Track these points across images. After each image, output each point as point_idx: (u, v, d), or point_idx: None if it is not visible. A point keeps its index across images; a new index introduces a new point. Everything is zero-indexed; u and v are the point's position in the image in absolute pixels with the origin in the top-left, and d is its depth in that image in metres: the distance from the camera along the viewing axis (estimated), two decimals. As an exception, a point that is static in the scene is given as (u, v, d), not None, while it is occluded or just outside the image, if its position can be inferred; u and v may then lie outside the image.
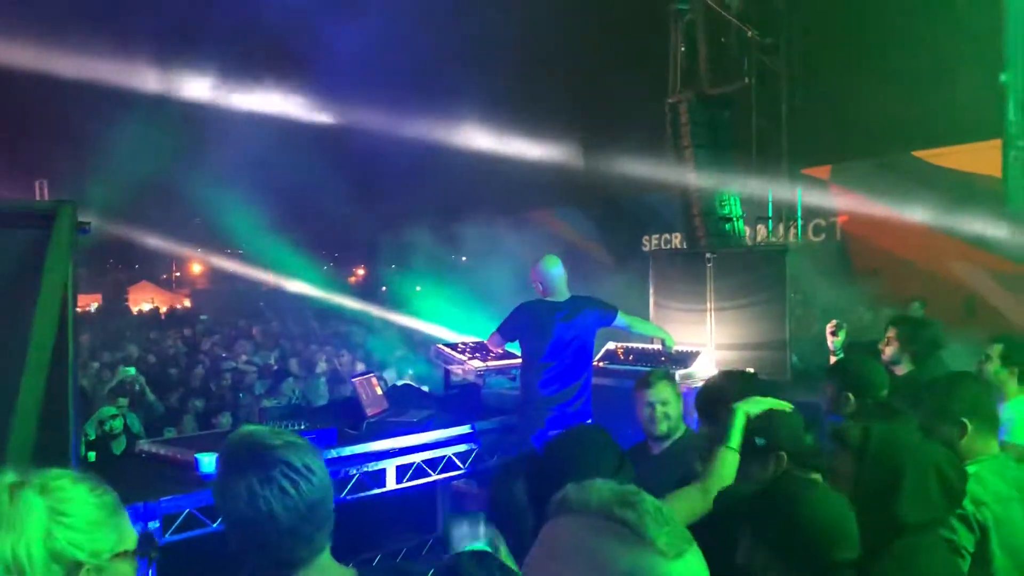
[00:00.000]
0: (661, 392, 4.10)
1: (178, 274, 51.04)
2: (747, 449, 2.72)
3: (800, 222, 10.45)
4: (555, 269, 5.41)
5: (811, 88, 10.52)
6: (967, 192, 11.82)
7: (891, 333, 4.84)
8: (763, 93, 9.99)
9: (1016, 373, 4.25)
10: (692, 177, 9.78)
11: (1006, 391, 4.22)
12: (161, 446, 4.64)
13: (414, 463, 4.86)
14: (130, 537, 1.51)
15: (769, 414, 2.78)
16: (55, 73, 11.29)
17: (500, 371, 5.84)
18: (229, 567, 2.01)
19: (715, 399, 3.14)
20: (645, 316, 6.51)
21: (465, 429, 5.19)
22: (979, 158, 11.35)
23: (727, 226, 9.85)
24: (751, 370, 5.77)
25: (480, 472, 5.28)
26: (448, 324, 12.66)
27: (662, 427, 4.06)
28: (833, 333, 5.53)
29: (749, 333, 6.25)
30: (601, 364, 6.03)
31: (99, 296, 36.59)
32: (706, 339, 6.36)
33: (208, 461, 4.09)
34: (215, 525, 3.85)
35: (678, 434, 4.11)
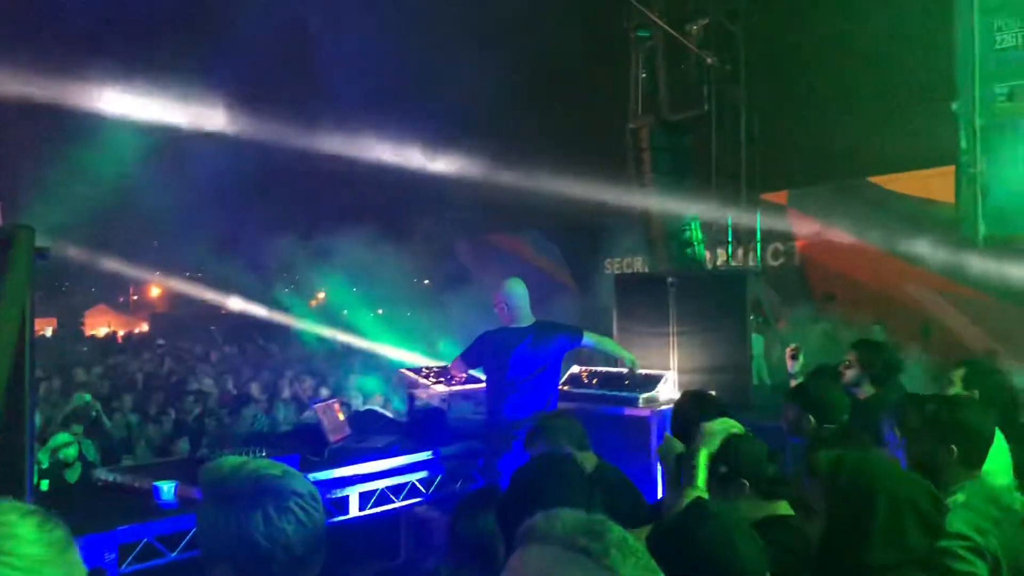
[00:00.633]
0: None
1: (136, 297, 50.26)
2: (711, 476, 2.73)
3: (759, 246, 10.56)
4: (519, 293, 5.41)
5: (769, 115, 10.67)
6: (922, 217, 12.07)
7: (851, 356, 4.91)
8: (722, 120, 10.10)
9: (977, 397, 4.31)
10: (653, 202, 9.86)
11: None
12: (118, 474, 4.55)
13: (377, 489, 4.81)
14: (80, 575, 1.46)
15: (733, 441, 2.79)
16: (4, 94, 11.11)
17: (465, 396, 5.81)
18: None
19: (688, 420, 3.18)
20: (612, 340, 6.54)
21: (428, 455, 5.16)
22: (933, 184, 11.61)
23: (688, 250, 9.93)
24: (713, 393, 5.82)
25: (444, 498, 5.24)
26: (411, 348, 12.62)
27: None
28: (793, 356, 5.59)
29: (711, 357, 6.30)
30: (565, 388, 6.03)
31: (54, 320, 35.86)
32: (669, 363, 6.40)
33: (167, 489, 4.02)
34: (174, 555, 3.77)
35: None
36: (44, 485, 5.80)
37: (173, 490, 4.04)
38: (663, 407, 5.62)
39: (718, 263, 10.77)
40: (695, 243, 10.06)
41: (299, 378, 11.67)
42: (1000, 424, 4.19)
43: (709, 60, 9.81)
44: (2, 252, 2.99)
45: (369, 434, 5.36)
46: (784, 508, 2.77)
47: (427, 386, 5.80)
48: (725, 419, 2.94)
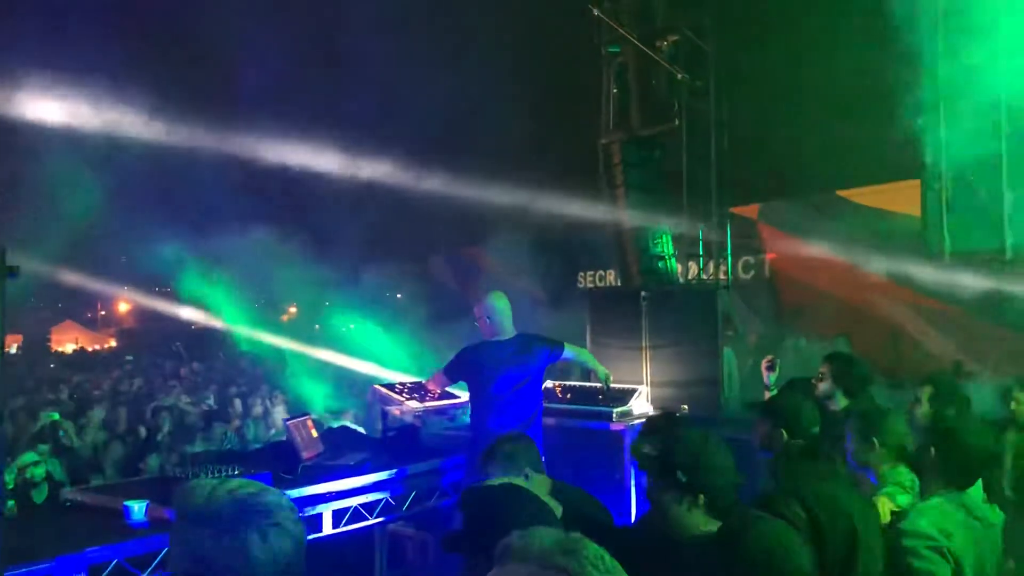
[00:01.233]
0: None
1: (103, 313, 49.65)
2: (669, 479, 2.72)
3: (730, 260, 10.63)
4: (502, 307, 5.42)
5: (739, 130, 10.77)
6: (890, 230, 12.22)
7: (824, 369, 4.96)
8: (693, 134, 10.19)
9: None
10: (625, 216, 9.91)
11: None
12: (87, 494, 4.49)
13: (351, 507, 4.78)
14: None
15: (701, 454, 2.77)
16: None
17: (438, 412, 5.80)
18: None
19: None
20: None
21: (402, 472, 5.13)
22: (900, 197, 11.77)
23: (660, 264, 9.98)
24: (684, 407, 5.86)
25: (418, 515, 5.22)
26: (384, 363, 12.55)
27: None
28: (769, 368, 5.63)
29: (683, 370, 6.33)
30: (540, 402, 6.04)
31: (19, 337, 35.33)
32: (642, 377, 6.42)
33: (138, 509, 3.97)
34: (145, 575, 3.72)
35: None
36: (11, 506, 5.70)
37: (144, 510, 3.99)
38: (636, 421, 5.64)
39: (689, 276, 10.84)
40: (666, 257, 10.13)
41: (272, 394, 11.59)
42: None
43: (679, 76, 9.90)
44: (-30, 271, 2.94)
45: (342, 451, 5.32)
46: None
47: (401, 402, 5.78)
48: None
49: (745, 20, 11.10)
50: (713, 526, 2.66)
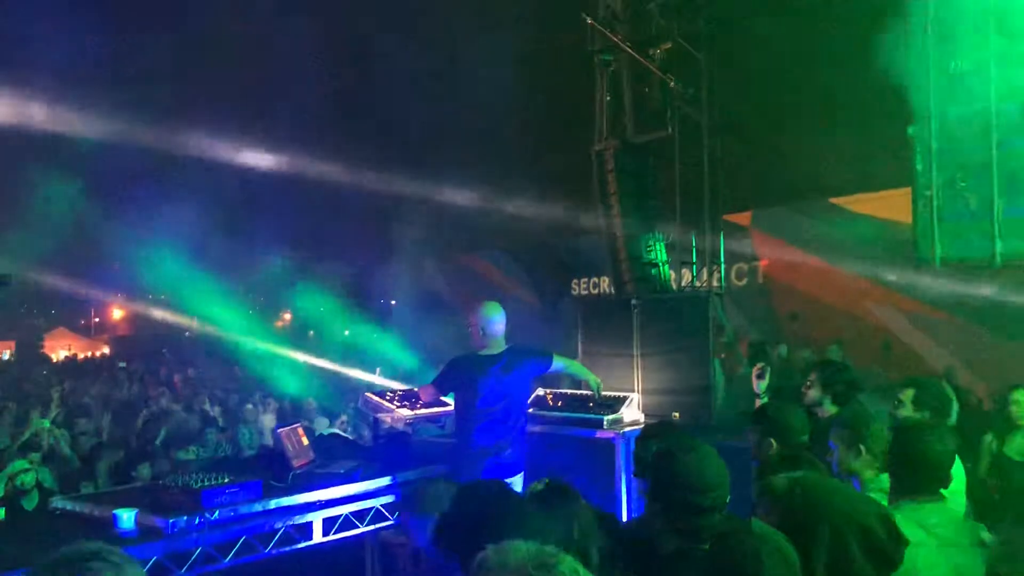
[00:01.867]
0: None
1: (97, 320, 49.53)
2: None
3: (723, 267, 10.67)
4: (497, 318, 5.40)
5: (731, 137, 10.83)
6: (882, 237, 12.27)
7: (812, 376, 4.97)
8: (685, 142, 10.24)
9: (927, 416, 4.38)
10: (618, 223, 9.94)
11: (919, 434, 4.34)
12: (76, 502, 4.47)
13: (342, 515, 4.77)
14: None
15: (691, 474, 2.74)
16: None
17: (429, 419, 5.79)
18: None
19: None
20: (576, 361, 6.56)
21: (393, 479, 5.12)
22: (892, 205, 11.81)
23: (653, 271, 10.02)
24: (676, 414, 5.87)
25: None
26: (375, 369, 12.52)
27: None
28: (759, 376, 5.64)
29: (674, 378, 6.34)
30: (531, 410, 6.04)
31: (12, 344, 35.24)
32: (633, 384, 6.43)
33: (127, 517, 3.96)
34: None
35: None
36: (0, 514, 5.67)
37: (133, 518, 3.98)
38: (628, 428, 5.65)
39: (682, 283, 10.86)
40: (659, 263, 10.16)
41: (264, 401, 11.56)
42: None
43: (672, 84, 9.95)
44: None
45: (333, 458, 5.31)
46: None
47: (392, 410, 5.77)
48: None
49: (737, 29, 11.15)
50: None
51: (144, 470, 7.49)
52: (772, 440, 3.75)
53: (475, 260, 21.37)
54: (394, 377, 10.42)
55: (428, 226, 20.82)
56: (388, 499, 5.07)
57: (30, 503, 6.29)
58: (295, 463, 4.99)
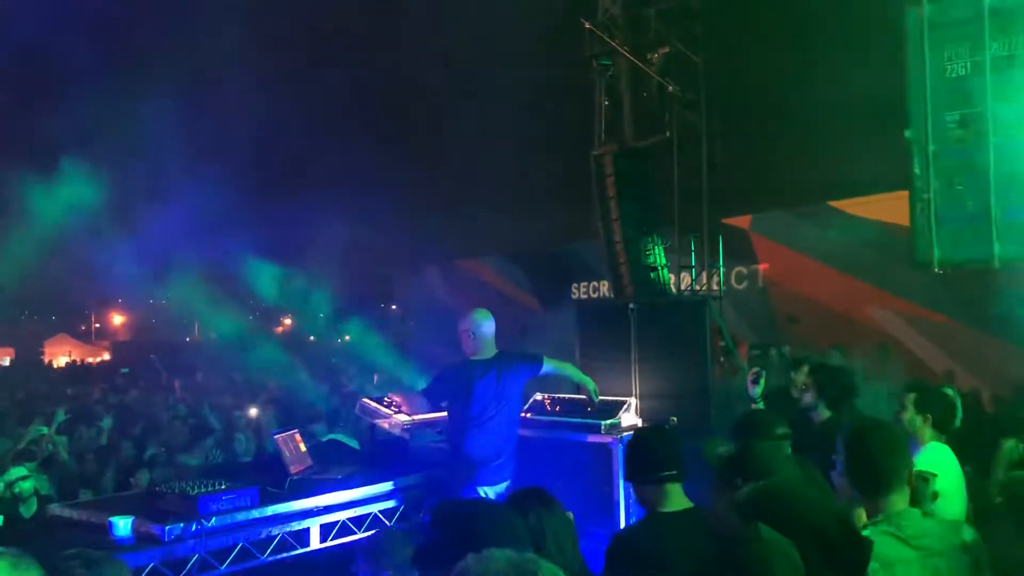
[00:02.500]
0: None
1: (98, 326, 49.58)
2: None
3: (722, 270, 10.66)
4: (486, 324, 5.41)
5: (730, 141, 10.82)
6: (881, 240, 12.27)
7: (807, 380, 4.97)
8: (684, 146, 10.23)
9: (930, 420, 4.38)
10: (617, 227, 9.93)
11: (921, 438, 4.34)
12: (73, 509, 4.49)
13: (339, 521, 4.77)
14: None
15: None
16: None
17: (427, 424, 5.79)
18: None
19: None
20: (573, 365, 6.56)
21: (390, 485, 5.13)
22: (890, 208, 11.80)
23: (652, 275, 10.00)
24: (674, 419, 5.86)
25: (407, 528, 5.20)
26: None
27: None
28: (754, 381, 5.64)
29: (672, 382, 6.33)
30: (528, 415, 6.03)
31: (11, 350, 35.24)
32: (631, 389, 6.42)
33: (123, 524, 3.97)
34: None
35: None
36: (-1, 520, 5.68)
37: (130, 525, 3.98)
38: (625, 433, 5.64)
39: (682, 287, 10.86)
40: (659, 267, 10.15)
41: (263, 406, 11.56)
42: (955, 446, 4.26)
43: (671, 88, 9.95)
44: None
45: (331, 464, 5.32)
46: None
47: (389, 415, 5.77)
48: None
49: (736, 33, 11.16)
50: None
51: (142, 476, 7.50)
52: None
53: (475, 265, 21.38)
54: (393, 383, 10.42)
55: (428, 231, 20.85)
56: (386, 505, 5.08)
57: (28, 510, 6.29)
58: (292, 469, 5.00)
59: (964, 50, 7.16)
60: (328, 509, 4.72)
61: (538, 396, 6.32)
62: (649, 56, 10.08)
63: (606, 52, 10.20)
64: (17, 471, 6.49)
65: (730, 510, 2.72)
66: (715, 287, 10.50)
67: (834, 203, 13.62)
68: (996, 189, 6.93)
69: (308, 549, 4.59)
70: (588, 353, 6.86)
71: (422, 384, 5.87)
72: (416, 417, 5.74)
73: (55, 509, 4.58)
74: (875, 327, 12.68)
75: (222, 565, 4.17)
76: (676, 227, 10.44)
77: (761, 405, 5.19)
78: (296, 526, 4.52)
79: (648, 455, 3.30)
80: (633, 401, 6.08)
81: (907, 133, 7.34)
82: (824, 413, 4.77)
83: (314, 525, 4.62)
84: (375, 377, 10.50)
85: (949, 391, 4.65)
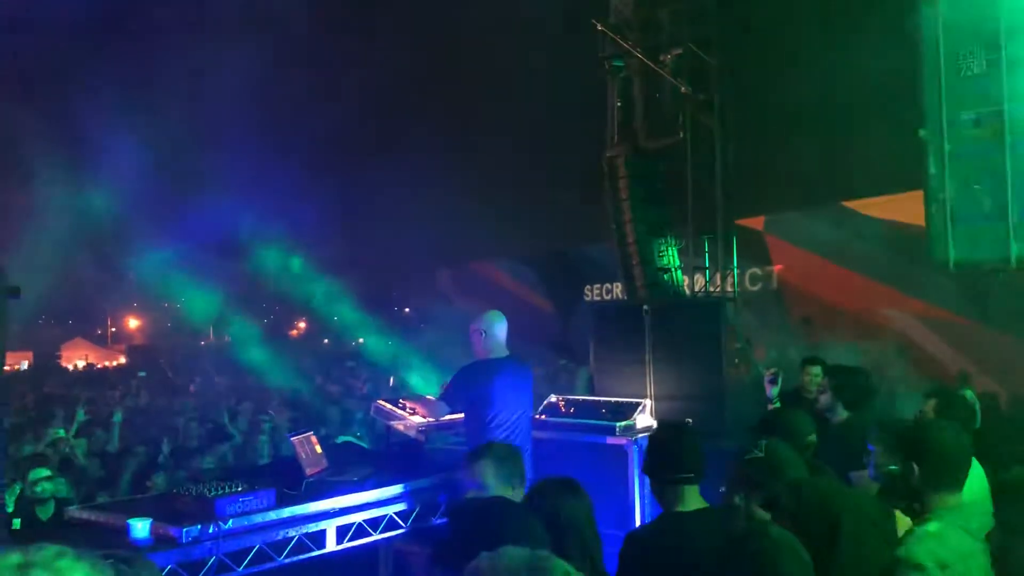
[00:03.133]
0: None
1: (113, 330, 49.88)
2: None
3: (736, 272, 10.64)
4: (499, 325, 5.42)
5: (744, 142, 10.79)
6: (896, 240, 12.21)
7: (824, 382, 4.95)
8: (697, 147, 10.22)
9: None
10: (630, 229, 9.93)
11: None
12: (91, 512, 4.51)
13: (355, 523, 4.78)
14: None
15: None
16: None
17: (442, 426, 5.80)
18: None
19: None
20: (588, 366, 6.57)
21: (407, 487, 5.13)
22: (905, 207, 11.74)
23: (665, 276, 10.00)
24: (689, 420, 5.84)
25: (423, 530, 5.21)
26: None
27: None
28: (771, 381, 5.63)
29: (687, 384, 6.32)
30: (543, 417, 6.04)
31: (30, 354, 35.48)
32: (646, 391, 6.41)
33: (141, 527, 3.98)
34: (148, 594, 3.73)
35: None
36: (16, 524, 5.71)
37: (148, 527, 4.00)
38: (640, 435, 5.64)
39: (696, 289, 10.84)
40: (672, 269, 10.14)
41: (279, 409, 11.60)
42: (977, 451, 4.22)
43: (684, 89, 9.93)
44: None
45: (346, 466, 5.33)
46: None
47: (404, 417, 5.78)
48: None
49: (749, 33, 11.13)
50: None
51: (159, 479, 7.53)
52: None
53: (487, 267, 21.39)
54: (407, 385, 10.45)
55: (440, 233, 20.86)
56: (401, 507, 5.08)
57: (45, 512, 6.32)
58: (308, 471, 5.01)
59: (979, 49, 7.11)
60: (345, 511, 4.73)
61: (552, 398, 6.32)
62: (662, 57, 10.08)
63: (619, 53, 10.21)
64: (40, 471, 6.50)
65: (738, 509, 2.75)
66: (729, 288, 10.48)
67: (848, 203, 13.56)
68: (1013, 188, 6.88)
69: (325, 551, 4.59)
70: (602, 355, 6.86)
71: (433, 387, 5.89)
72: (431, 419, 5.75)
73: (73, 511, 4.60)
74: (890, 328, 12.61)
75: (239, 567, 4.18)
76: (690, 228, 10.43)
77: (778, 405, 5.18)
78: (313, 528, 4.53)
79: (666, 456, 3.31)
80: (648, 403, 6.07)
81: (922, 133, 7.29)
82: (842, 414, 4.75)
83: (331, 527, 4.63)
84: (391, 380, 10.52)
85: (968, 394, 4.63)
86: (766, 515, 2.68)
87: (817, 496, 2.37)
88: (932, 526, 2.72)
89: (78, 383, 20.98)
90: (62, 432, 8.26)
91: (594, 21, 10.16)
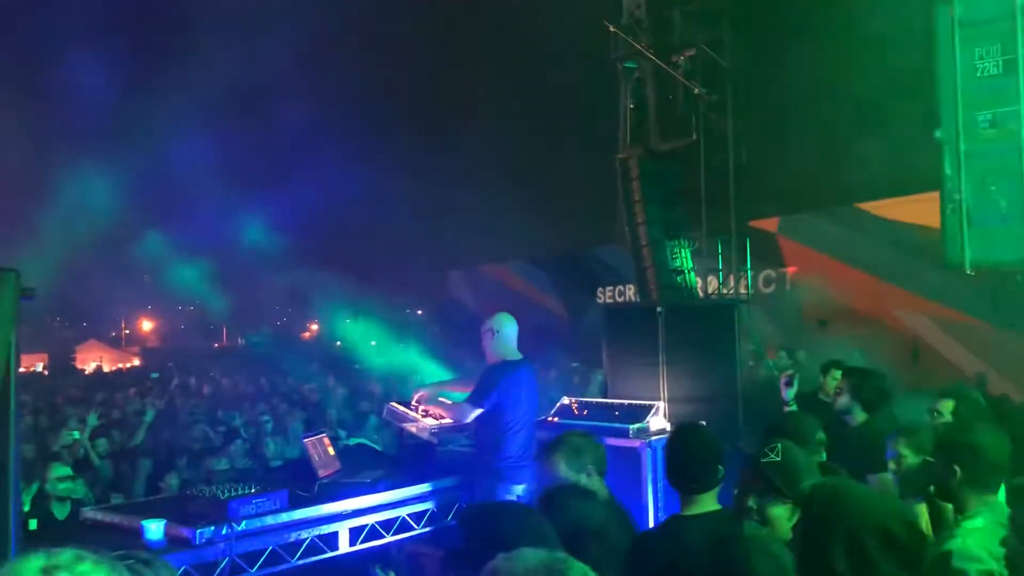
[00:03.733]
0: None
1: (127, 331, 50.11)
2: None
3: (750, 273, 10.60)
4: (509, 326, 5.43)
5: (757, 144, 10.77)
6: (910, 242, 12.13)
7: (841, 383, 4.92)
8: (711, 148, 10.20)
9: None
10: (643, 230, 9.91)
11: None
12: (106, 513, 4.52)
13: (367, 525, 4.78)
14: None
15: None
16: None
17: (455, 429, 5.79)
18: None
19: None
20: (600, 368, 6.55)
21: (419, 489, 5.13)
22: (919, 209, 11.67)
23: (679, 278, 9.97)
24: (703, 423, 5.81)
25: (435, 532, 5.21)
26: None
27: None
28: (787, 384, 5.60)
29: (700, 386, 6.29)
30: (555, 419, 6.02)
31: (45, 356, 35.68)
32: (659, 393, 6.39)
33: (155, 528, 3.99)
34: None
35: None
36: (33, 524, 5.73)
37: (162, 529, 4.01)
38: (653, 437, 5.61)
39: (709, 291, 10.80)
40: (686, 271, 10.11)
41: (291, 411, 11.61)
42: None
43: (697, 90, 9.91)
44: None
45: (359, 468, 5.33)
46: None
47: (416, 419, 5.78)
48: None
49: (762, 34, 11.09)
50: None
51: (173, 480, 7.54)
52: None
53: (499, 269, 21.38)
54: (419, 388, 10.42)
55: (452, 235, 20.89)
56: (414, 509, 5.08)
57: (62, 512, 6.33)
58: (321, 473, 5.01)
59: (995, 49, 7.04)
60: (357, 513, 4.73)
61: (566, 400, 6.30)
62: (674, 58, 10.06)
63: (631, 55, 10.19)
64: (61, 469, 6.47)
65: (751, 512, 2.75)
66: (743, 290, 10.44)
67: (863, 205, 13.48)
68: (1030, 189, 6.81)
69: (337, 553, 4.60)
70: (616, 357, 6.83)
71: (439, 389, 5.90)
72: (443, 422, 5.74)
73: (88, 512, 4.62)
74: (905, 330, 12.54)
75: (252, 568, 4.19)
76: (703, 230, 10.41)
77: (794, 407, 5.14)
78: (325, 530, 4.53)
79: (674, 463, 3.29)
80: (661, 405, 6.04)
81: (937, 133, 7.22)
82: (859, 417, 4.72)
83: (343, 529, 4.63)
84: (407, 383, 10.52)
85: (977, 395, 4.59)
86: (782, 516, 2.67)
87: (831, 497, 2.35)
88: (979, 521, 2.78)
89: (91, 385, 21.04)
90: (76, 434, 8.28)
91: (606, 22, 10.14)
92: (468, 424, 5.67)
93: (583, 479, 3.51)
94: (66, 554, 1.44)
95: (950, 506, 3.08)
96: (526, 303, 18.73)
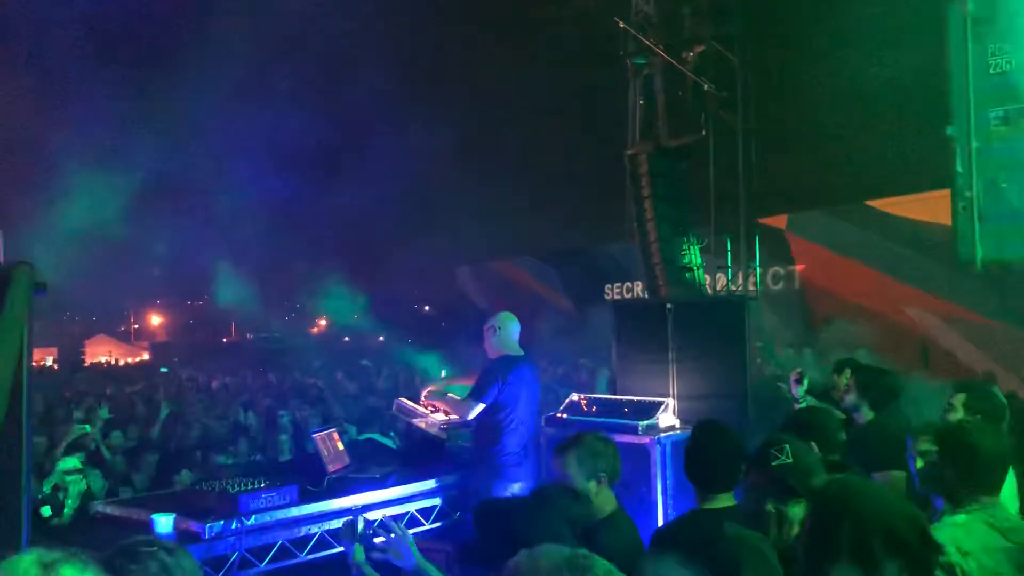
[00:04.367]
0: None
1: (136, 326, 50.27)
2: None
3: (759, 271, 10.58)
4: (513, 324, 5.47)
5: (767, 140, 10.76)
6: (920, 240, 12.10)
7: (850, 380, 4.91)
8: (720, 145, 10.19)
9: (980, 421, 4.29)
10: (652, 227, 9.89)
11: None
12: (116, 506, 4.55)
13: (377, 520, 4.78)
14: None
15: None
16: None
17: (463, 424, 5.80)
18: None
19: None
20: (608, 365, 6.55)
21: (428, 484, 5.14)
22: (930, 207, 11.64)
23: (687, 275, 9.95)
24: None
25: (444, 528, 5.22)
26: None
27: None
28: (798, 381, 5.60)
29: (710, 383, 6.28)
30: (564, 416, 6.01)
31: (54, 349, 35.84)
32: (668, 390, 6.38)
33: (165, 522, 4.01)
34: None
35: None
36: (46, 511, 5.76)
37: (172, 523, 4.03)
38: (663, 434, 5.61)
39: (718, 288, 10.78)
40: (694, 268, 10.09)
41: (300, 407, 11.63)
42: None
43: (706, 87, 9.90)
44: (2, 288, 2.99)
45: (369, 463, 5.34)
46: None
47: (425, 415, 5.79)
48: None
49: (772, 31, 11.07)
50: None
51: (183, 475, 7.56)
52: (813, 443, 3.70)
53: (508, 267, 21.39)
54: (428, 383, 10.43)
55: (461, 232, 20.89)
56: (424, 503, 5.09)
57: (73, 505, 6.36)
58: (330, 467, 5.02)
59: (1007, 46, 7.01)
60: (366, 508, 4.73)
61: (574, 396, 6.29)
62: (684, 55, 10.05)
63: (640, 51, 10.18)
64: (70, 462, 6.50)
65: (771, 516, 2.74)
66: (751, 287, 10.42)
67: (872, 202, 13.44)
68: (1041, 187, 6.79)
69: (346, 547, 4.60)
70: (625, 354, 6.82)
71: (446, 385, 5.92)
72: (452, 417, 5.75)
73: (98, 506, 4.65)
74: (914, 328, 12.51)
75: (262, 563, 4.20)
76: (712, 227, 10.40)
77: (804, 405, 5.14)
78: (335, 524, 4.54)
79: (703, 463, 3.30)
80: (670, 402, 6.03)
81: (949, 130, 7.20)
82: (867, 415, 4.71)
83: (352, 524, 4.63)
84: (415, 378, 10.54)
85: (996, 391, 4.57)
86: (798, 517, 2.67)
87: (840, 494, 2.35)
88: (960, 517, 2.80)
89: (101, 379, 21.12)
90: (87, 428, 8.31)
91: (616, 19, 10.14)
92: (472, 420, 5.68)
93: (592, 485, 3.42)
94: (56, 553, 1.45)
95: None
96: (534, 299, 18.73)
